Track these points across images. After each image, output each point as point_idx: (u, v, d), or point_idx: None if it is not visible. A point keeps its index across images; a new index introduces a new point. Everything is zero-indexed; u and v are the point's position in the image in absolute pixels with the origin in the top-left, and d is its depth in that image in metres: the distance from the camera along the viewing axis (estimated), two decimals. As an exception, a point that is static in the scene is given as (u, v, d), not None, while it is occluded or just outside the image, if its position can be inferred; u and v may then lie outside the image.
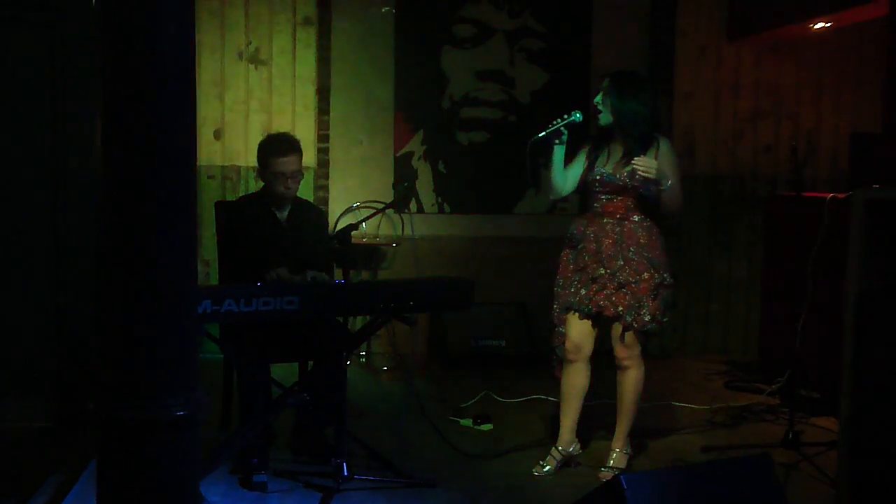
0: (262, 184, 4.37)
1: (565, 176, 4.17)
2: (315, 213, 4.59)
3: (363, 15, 6.50)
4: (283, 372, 4.58)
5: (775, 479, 3.01)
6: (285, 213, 4.37)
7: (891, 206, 3.52)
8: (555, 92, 6.70)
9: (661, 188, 3.96)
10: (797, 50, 6.80)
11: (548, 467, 4.18)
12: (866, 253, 3.51)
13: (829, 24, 6.09)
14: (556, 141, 4.08)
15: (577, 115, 4.05)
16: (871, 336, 3.50)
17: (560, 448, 4.22)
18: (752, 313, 6.68)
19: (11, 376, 4.60)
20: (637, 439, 4.37)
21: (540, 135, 4.03)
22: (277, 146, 4.26)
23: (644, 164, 3.89)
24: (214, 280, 5.59)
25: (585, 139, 4.25)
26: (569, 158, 4.17)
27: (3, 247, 4.62)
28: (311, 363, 4.42)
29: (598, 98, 4.09)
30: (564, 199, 4.55)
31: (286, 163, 4.23)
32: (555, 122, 4.04)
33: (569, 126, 4.05)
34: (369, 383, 5.82)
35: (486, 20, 6.63)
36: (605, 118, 4.07)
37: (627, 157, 4.01)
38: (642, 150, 3.99)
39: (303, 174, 4.36)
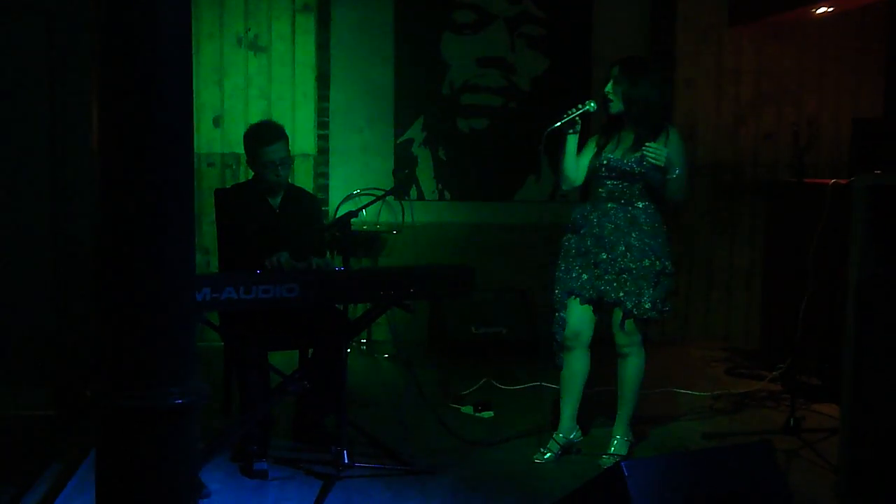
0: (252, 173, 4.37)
1: (577, 165, 4.15)
2: (308, 199, 4.57)
3: (363, 1, 6.47)
4: (284, 360, 4.57)
5: (776, 465, 3.01)
6: (278, 201, 4.36)
7: (893, 192, 3.51)
8: (555, 78, 6.68)
9: (669, 176, 3.96)
10: (799, 35, 6.77)
11: (549, 454, 4.17)
12: (868, 239, 3.50)
13: (830, 9, 6.06)
14: (570, 130, 4.07)
15: (592, 104, 4.04)
16: (872, 322, 3.49)
17: (561, 435, 4.22)
18: (754, 300, 6.67)
19: (11, 365, 4.60)
20: (638, 426, 4.37)
21: (556, 125, 4.01)
22: (263, 135, 4.24)
23: (654, 151, 3.88)
24: (214, 268, 5.58)
25: (595, 128, 4.23)
26: (579, 148, 4.16)
27: (3, 237, 4.61)
28: (311, 351, 4.42)
29: (609, 87, 4.06)
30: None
31: (273, 151, 4.21)
32: (570, 112, 4.02)
33: (582, 115, 4.04)
34: (369, 371, 5.82)
35: (486, 6, 6.59)
36: (617, 106, 4.05)
37: (637, 145, 4.00)
38: (653, 137, 3.98)
39: (292, 160, 4.34)
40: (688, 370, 5.91)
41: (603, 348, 4.22)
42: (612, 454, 4.13)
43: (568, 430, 4.23)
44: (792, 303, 4.88)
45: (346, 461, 3.82)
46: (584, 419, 4.36)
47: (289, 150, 4.31)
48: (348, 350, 3.91)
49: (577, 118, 4.03)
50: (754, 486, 2.94)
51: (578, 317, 4.11)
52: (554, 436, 4.23)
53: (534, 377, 5.45)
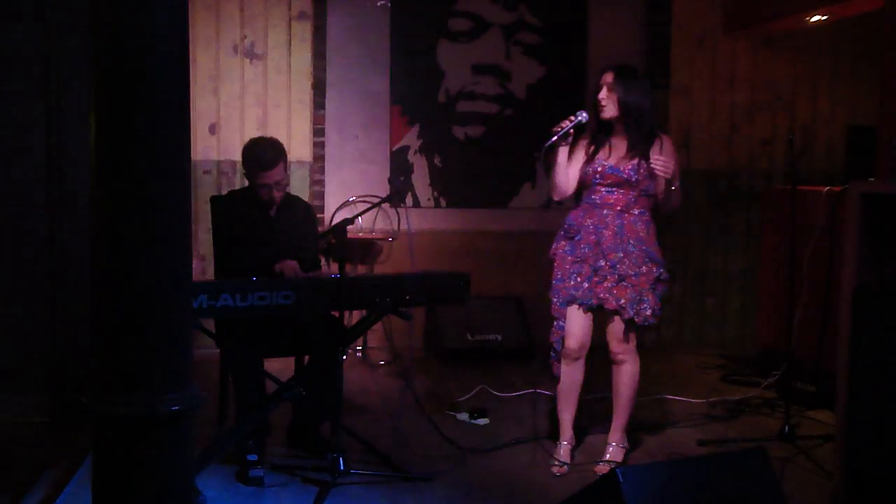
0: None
1: (568, 175, 4.15)
2: (303, 208, 4.57)
3: (359, 8, 6.48)
4: (280, 367, 4.57)
5: (771, 472, 3.01)
6: (274, 209, 4.36)
7: (887, 199, 3.52)
8: (551, 85, 6.69)
9: (672, 187, 3.97)
10: (794, 43, 6.79)
11: (565, 465, 4.15)
12: (863, 246, 3.51)
13: (825, 17, 6.08)
14: (563, 143, 4.08)
15: (584, 115, 4.04)
16: (867, 329, 3.50)
17: (565, 443, 4.21)
18: (749, 306, 6.68)
19: (7, 371, 4.60)
20: (633, 433, 4.38)
21: (553, 139, 4.01)
22: (260, 159, 4.20)
23: (663, 164, 3.89)
24: (211, 275, 5.58)
25: (583, 135, 4.22)
26: (568, 157, 4.16)
27: (-1, 243, 4.61)
28: (307, 358, 4.42)
29: (602, 93, 4.06)
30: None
31: (270, 175, 4.20)
32: (564, 126, 4.01)
33: (575, 127, 4.04)
34: (365, 378, 5.82)
35: (482, 13, 6.61)
36: (610, 112, 4.05)
37: (632, 152, 4.01)
38: (647, 144, 3.99)
39: (289, 178, 4.35)
40: (683, 377, 5.91)
41: (597, 355, 4.22)
42: (608, 461, 4.12)
43: (564, 438, 4.22)
44: (787, 309, 4.89)
45: (342, 468, 3.82)
46: (580, 426, 4.36)
47: (286, 169, 4.30)
48: (344, 357, 3.91)
49: (570, 130, 4.04)
50: (749, 493, 2.94)
51: (581, 327, 4.09)
52: (550, 443, 4.22)
53: (529, 384, 5.44)
